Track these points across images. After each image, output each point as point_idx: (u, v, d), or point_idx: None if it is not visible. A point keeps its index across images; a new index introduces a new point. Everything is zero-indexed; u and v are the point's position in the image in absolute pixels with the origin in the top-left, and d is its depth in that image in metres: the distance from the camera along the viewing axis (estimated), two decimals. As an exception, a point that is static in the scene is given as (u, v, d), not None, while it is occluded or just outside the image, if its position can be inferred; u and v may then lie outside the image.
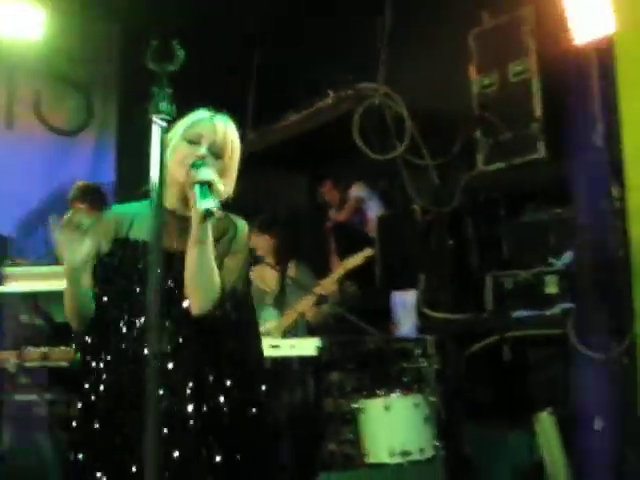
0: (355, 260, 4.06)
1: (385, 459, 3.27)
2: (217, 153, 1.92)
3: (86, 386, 1.86)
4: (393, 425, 3.31)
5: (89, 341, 1.88)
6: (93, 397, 1.84)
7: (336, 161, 5.66)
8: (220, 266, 1.87)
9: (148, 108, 1.56)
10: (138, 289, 1.85)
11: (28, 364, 3.81)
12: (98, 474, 1.79)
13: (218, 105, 2.04)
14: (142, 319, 1.81)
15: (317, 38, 5.28)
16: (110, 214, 2.01)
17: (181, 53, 1.57)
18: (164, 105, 1.57)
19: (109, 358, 1.84)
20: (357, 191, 5.57)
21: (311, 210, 6.27)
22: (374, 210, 5.38)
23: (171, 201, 1.92)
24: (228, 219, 1.98)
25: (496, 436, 3.76)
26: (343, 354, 3.90)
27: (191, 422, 1.79)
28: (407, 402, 3.35)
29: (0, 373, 4.04)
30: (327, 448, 3.77)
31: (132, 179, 5.07)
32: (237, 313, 1.88)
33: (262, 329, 4.19)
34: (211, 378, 1.85)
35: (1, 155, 5.56)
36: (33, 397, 4.17)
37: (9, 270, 3.81)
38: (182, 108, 1.76)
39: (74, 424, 1.86)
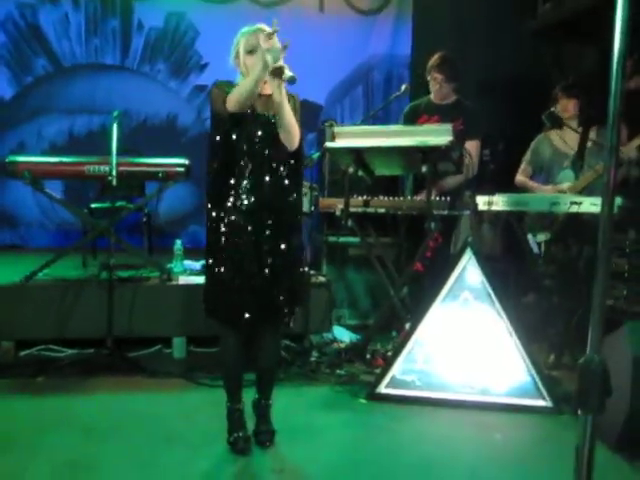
0: None
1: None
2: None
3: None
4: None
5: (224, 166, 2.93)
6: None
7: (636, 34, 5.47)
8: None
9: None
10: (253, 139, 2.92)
11: (352, 209, 4.39)
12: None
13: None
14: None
15: None
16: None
17: None
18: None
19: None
20: None
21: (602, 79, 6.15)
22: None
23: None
24: (289, 94, 2.91)
25: None
26: None
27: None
28: None
29: (329, 217, 4.73)
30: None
31: (426, 50, 5.44)
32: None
33: (558, 188, 4.46)
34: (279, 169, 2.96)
35: (314, 36, 6.31)
36: (354, 239, 4.85)
37: (339, 129, 4.35)
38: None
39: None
